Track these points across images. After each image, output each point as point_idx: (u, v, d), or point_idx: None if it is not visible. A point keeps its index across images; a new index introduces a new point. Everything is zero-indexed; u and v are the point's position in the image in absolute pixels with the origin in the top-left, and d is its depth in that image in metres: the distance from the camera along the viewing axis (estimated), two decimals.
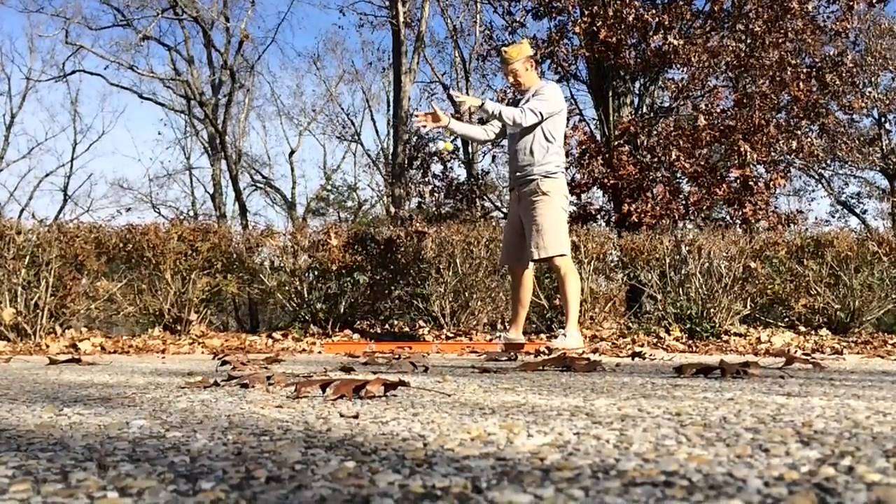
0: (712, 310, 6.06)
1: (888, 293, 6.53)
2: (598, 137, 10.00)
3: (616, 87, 9.73)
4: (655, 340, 5.28)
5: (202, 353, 4.61)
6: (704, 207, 9.36)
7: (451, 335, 5.85)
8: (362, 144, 26.57)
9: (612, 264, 6.74)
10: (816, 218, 20.62)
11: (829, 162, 19.45)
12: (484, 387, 1.85)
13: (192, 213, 26.85)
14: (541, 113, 4.24)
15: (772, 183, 9.21)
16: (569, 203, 4.63)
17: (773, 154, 9.39)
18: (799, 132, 9.48)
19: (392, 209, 14.49)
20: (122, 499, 0.70)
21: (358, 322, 6.54)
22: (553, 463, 0.84)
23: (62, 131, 60.38)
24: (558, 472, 0.79)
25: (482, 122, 12.14)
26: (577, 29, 9.33)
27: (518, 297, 4.52)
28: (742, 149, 8.80)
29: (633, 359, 3.44)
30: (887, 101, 17.63)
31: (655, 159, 9.31)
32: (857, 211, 23.00)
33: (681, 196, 9.27)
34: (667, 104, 10.03)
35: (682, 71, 9.47)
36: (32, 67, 37.32)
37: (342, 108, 26.99)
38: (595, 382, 1.97)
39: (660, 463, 0.83)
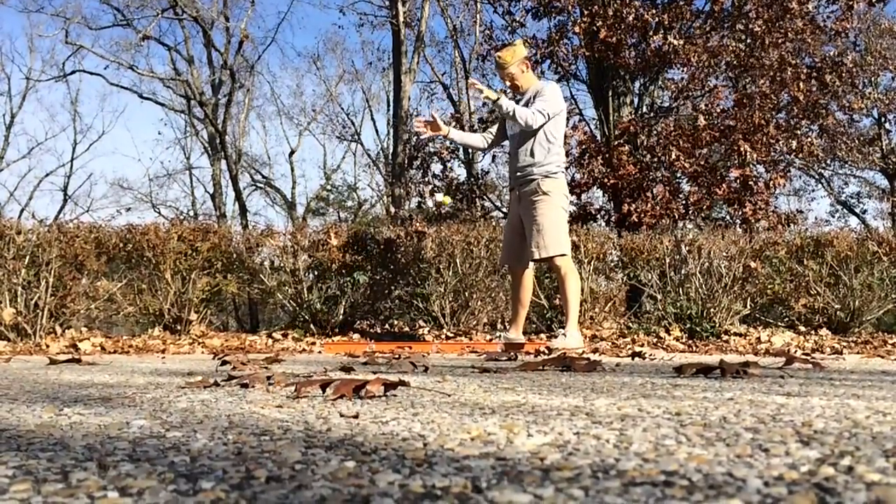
0: (712, 310, 6.06)
1: (888, 293, 6.52)
2: (598, 137, 9.99)
3: (616, 86, 9.73)
4: (655, 340, 5.28)
5: (202, 353, 4.61)
6: (704, 207, 9.36)
7: (451, 335, 5.85)
8: (362, 144, 26.57)
9: (612, 264, 6.74)
10: (816, 218, 20.67)
11: (828, 162, 19.46)
12: (484, 387, 1.85)
13: (192, 213, 26.87)
14: (547, 115, 4.25)
15: (772, 183, 9.21)
16: (569, 203, 4.63)
17: (773, 154, 9.38)
18: (799, 132, 9.48)
19: (392, 209, 14.49)
20: (123, 498, 0.70)
21: (358, 322, 6.54)
22: (553, 463, 0.84)
23: (62, 131, 60.48)
24: (558, 472, 0.79)
25: (483, 121, 12.13)
26: (576, 29, 9.32)
27: (518, 297, 4.52)
28: (742, 149, 8.79)
29: (633, 359, 3.45)
30: (887, 101, 17.63)
31: (655, 159, 9.31)
32: (857, 211, 23.02)
33: (681, 196, 9.27)
34: (667, 104, 10.03)
35: (682, 71, 9.46)
36: (32, 67, 37.33)
37: (342, 108, 27.00)
38: (595, 382, 1.97)
39: (660, 463, 0.83)
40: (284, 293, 6.44)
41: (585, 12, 9.28)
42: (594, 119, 10.39)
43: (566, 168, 4.55)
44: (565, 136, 5.99)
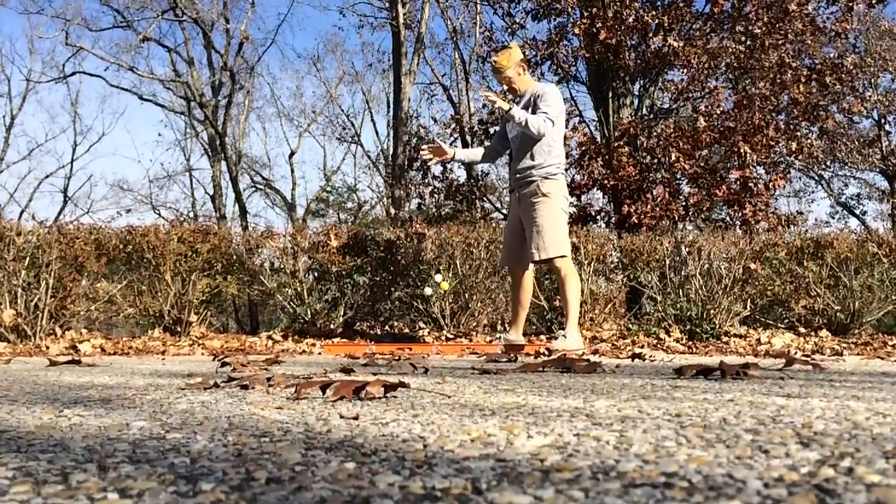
0: (712, 311, 6.06)
1: (888, 294, 6.52)
2: (598, 139, 9.99)
3: (616, 88, 9.73)
4: (655, 342, 5.28)
5: (202, 354, 4.61)
6: (704, 208, 9.35)
7: (451, 336, 5.85)
8: (362, 146, 26.62)
9: (612, 265, 6.74)
10: (816, 219, 20.67)
11: (828, 163, 19.48)
12: (484, 388, 1.85)
13: (192, 215, 26.86)
14: (553, 120, 4.26)
15: (772, 184, 9.21)
16: (569, 204, 4.63)
17: (773, 155, 9.38)
18: (799, 133, 9.48)
19: (392, 210, 14.50)
20: (123, 500, 0.70)
21: (358, 323, 6.54)
22: (553, 464, 0.84)
23: (62, 133, 60.49)
24: (558, 474, 0.79)
25: (483, 122, 12.13)
26: (576, 30, 9.32)
27: (518, 299, 4.52)
28: (742, 150, 8.80)
29: (633, 360, 3.44)
30: (887, 103, 17.64)
31: (655, 160, 9.31)
32: (857, 212, 23.02)
33: (681, 197, 9.27)
34: (667, 105, 10.03)
35: (682, 72, 9.47)
36: (32, 69, 37.28)
37: (342, 110, 27.03)
38: (595, 384, 1.97)
39: (660, 464, 0.83)
40: (284, 294, 6.44)
41: (585, 14, 9.29)
42: (594, 120, 10.39)
43: (566, 169, 4.55)
44: (565, 138, 6.00)
